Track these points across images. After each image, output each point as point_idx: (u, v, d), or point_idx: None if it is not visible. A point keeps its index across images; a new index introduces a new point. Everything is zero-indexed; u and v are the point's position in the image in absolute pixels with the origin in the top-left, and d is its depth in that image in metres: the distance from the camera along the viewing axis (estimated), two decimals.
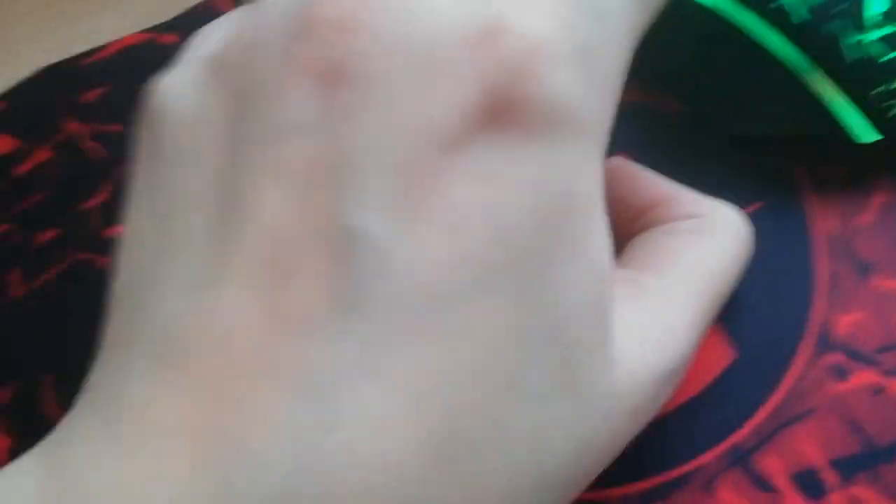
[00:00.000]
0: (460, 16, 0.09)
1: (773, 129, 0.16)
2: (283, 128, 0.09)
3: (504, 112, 0.09)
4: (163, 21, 0.20)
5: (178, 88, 0.10)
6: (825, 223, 0.15)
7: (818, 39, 0.14)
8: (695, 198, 0.13)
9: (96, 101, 0.19)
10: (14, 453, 0.15)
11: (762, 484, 0.13)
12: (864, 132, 0.15)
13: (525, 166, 0.09)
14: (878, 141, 0.15)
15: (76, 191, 0.18)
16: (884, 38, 0.14)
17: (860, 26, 0.14)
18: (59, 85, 0.20)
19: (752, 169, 0.16)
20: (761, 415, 0.13)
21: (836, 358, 0.14)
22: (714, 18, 0.15)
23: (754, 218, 0.15)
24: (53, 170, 0.18)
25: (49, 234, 0.17)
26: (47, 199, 0.18)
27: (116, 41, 0.20)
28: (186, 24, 0.20)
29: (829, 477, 0.13)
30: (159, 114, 0.10)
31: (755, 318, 0.14)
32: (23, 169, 0.18)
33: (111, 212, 0.18)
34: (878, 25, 0.14)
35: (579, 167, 0.09)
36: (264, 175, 0.09)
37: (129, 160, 0.18)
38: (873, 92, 0.14)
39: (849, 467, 0.13)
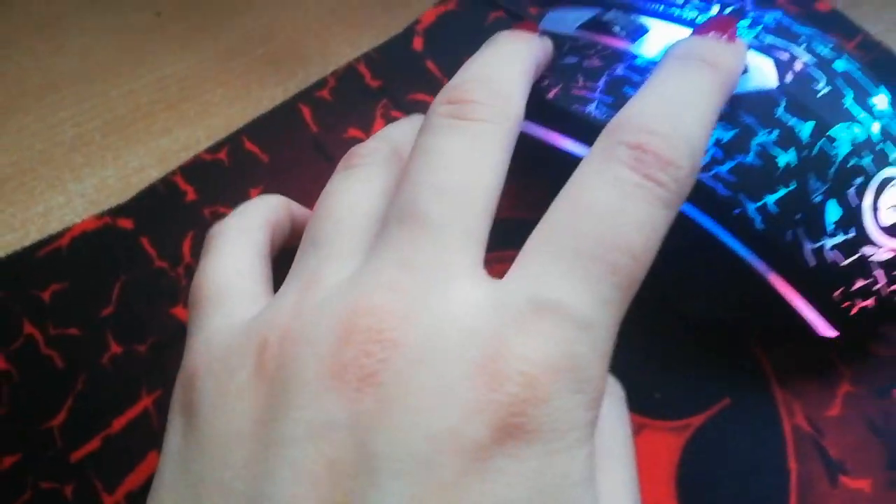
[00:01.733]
0: (474, 336, 0.10)
1: (736, 315, 0.17)
2: (312, 425, 0.10)
3: (513, 429, 0.10)
4: (117, 204, 0.21)
5: (223, 377, 0.12)
6: (794, 418, 0.16)
7: (780, 246, 0.15)
8: None
9: (53, 299, 0.19)
10: None
11: None
12: (824, 328, 0.15)
13: (529, 463, 0.10)
14: (839, 336, 0.15)
15: (36, 410, 0.18)
16: (840, 245, 0.14)
17: (820, 234, 0.14)
18: (14, 279, 0.20)
19: (719, 361, 0.16)
20: None
21: None
22: (683, 218, 0.15)
23: (724, 416, 0.16)
24: (9, 384, 0.18)
25: (10, 461, 0.17)
26: (6, 418, 0.18)
27: (72, 228, 0.20)
28: (143, 207, 0.20)
29: None
30: (201, 396, 0.12)
31: None
32: None
33: (70, 432, 0.17)
34: (834, 234, 0.14)
35: (572, 456, 0.10)
36: (293, 470, 0.10)
37: (88, 372, 0.18)
38: (834, 293, 0.15)
39: None
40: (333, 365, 0.10)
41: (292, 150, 0.21)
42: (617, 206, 0.11)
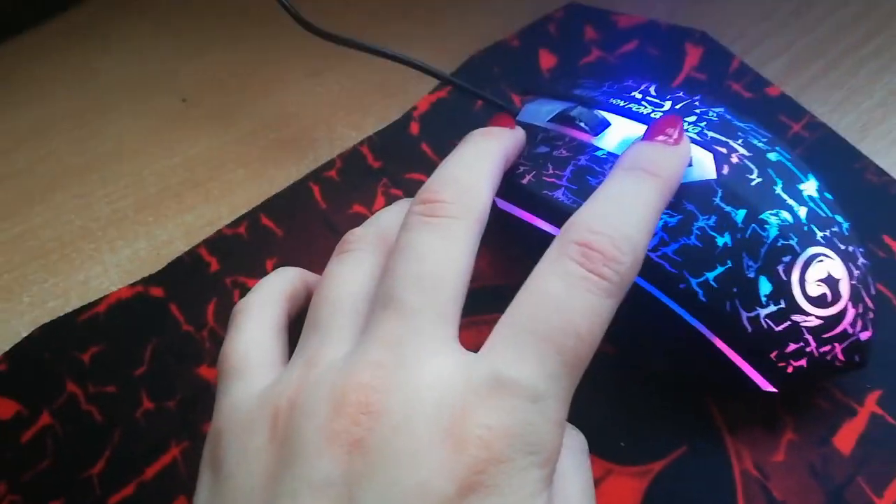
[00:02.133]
0: (444, 406, 0.13)
1: (691, 373, 0.19)
2: (312, 481, 0.13)
3: (475, 485, 0.12)
4: (149, 274, 0.23)
5: (244, 439, 0.14)
6: (743, 463, 0.18)
7: (721, 315, 0.17)
8: None
9: (92, 360, 0.22)
10: None
11: None
12: (765, 385, 0.18)
13: None
14: (777, 392, 0.18)
15: (76, 459, 0.20)
16: (772, 314, 0.17)
17: (755, 305, 0.17)
18: (57, 342, 0.22)
19: (677, 414, 0.19)
20: None
21: None
22: (641, 291, 0.18)
23: (682, 463, 0.18)
24: (54, 437, 0.21)
25: None
26: (50, 467, 0.20)
27: (108, 296, 0.23)
28: (172, 277, 0.23)
29: None
30: (226, 453, 0.15)
31: None
32: (27, 437, 0.21)
33: (108, 479, 0.20)
34: (766, 305, 0.17)
35: None
36: None
37: (124, 425, 0.20)
38: (771, 355, 0.17)
39: None
40: (329, 432, 0.13)
41: (304, 224, 0.24)
42: (565, 295, 0.13)
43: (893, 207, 0.22)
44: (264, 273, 0.22)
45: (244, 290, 0.22)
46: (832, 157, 0.23)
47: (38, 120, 0.28)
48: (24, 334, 0.23)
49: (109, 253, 0.24)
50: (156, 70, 0.29)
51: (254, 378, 0.16)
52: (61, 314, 0.23)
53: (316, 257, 0.22)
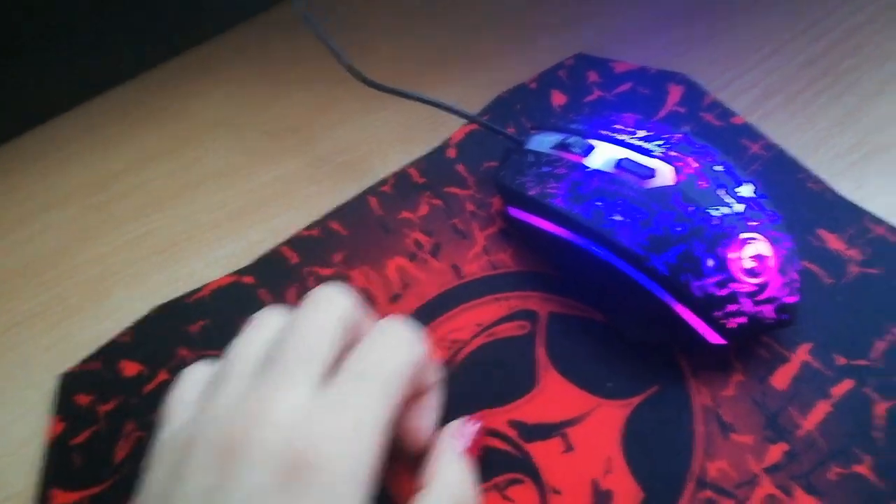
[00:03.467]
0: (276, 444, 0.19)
1: (657, 337, 0.26)
2: (191, 491, 0.19)
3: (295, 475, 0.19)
4: (243, 264, 0.31)
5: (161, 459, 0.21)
6: (701, 398, 0.24)
7: (678, 285, 0.24)
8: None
9: (200, 331, 0.29)
10: None
11: None
12: (715, 339, 0.24)
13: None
14: (724, 344, 0.24)
15: None
16: (716, 283, 0.24)
17: (702, 276, 0.24)
18: (170, 318, 0.30)
19: (650, 362, 0.25)
20: None
21: (707, 494, 0.23)
22: (613, 268, 0.25)
23: (656, 398, 0.25)
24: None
25: None
26: None
27: (210, 283, 0.31)
28: (261, 267, 0.31)
29: None
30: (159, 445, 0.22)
31: (657, 468, 0.23)
32: (149, 388, 0.28)
33: None
34: (711, 276, 0.24)
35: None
36: None
37: None
38: (716, 314, 0.24)
39: None
40: (215, 454, 0.19)
41: (363, 227, 0.31)
42: None
43: (827, 208, 0.28)
44: (333, 265, 0.29)
45: (317, 278, 0.30)
46: (781, 170, 0.29)
47: (156, 147, 0.37)
48: (145, 313, 0.30)
49: (211, 251, 0.32)
50: (242, 112, 0.37)
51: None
52: (173, 298, 0.30)
53: (372, 250, 0.30)
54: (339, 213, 0.32)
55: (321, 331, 0.22)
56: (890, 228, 0.27)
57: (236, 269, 0.31)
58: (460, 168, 0.32)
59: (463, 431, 0.24)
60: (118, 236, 0.33)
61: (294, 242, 0.31)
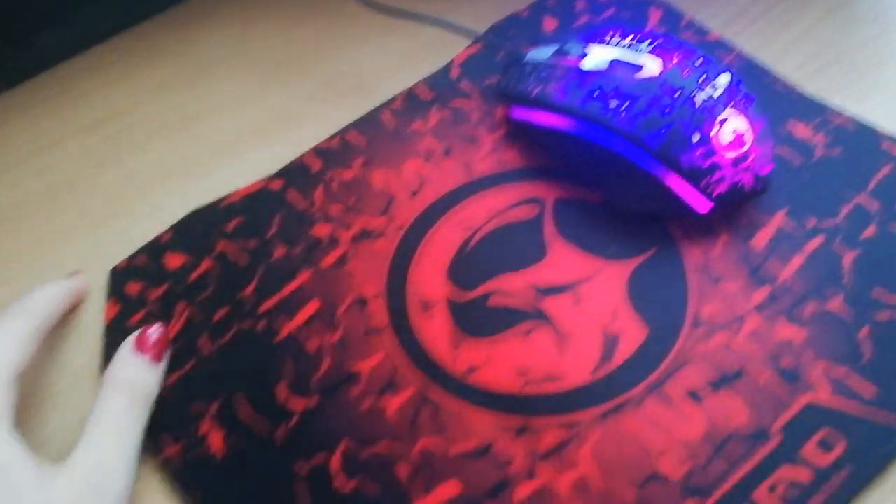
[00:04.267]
0: None
1: (651, 209, 0.29)
2: None
3: None
4: (271, 173, 0.34)
5: None
6: (693, 257, 0.28)
7: (668, 157, 0.28)
8: None
9: (235, 227, 0.32)
10: (227, 442, 0.26)
11: (668, 400, 0.25)
12: (702, 205, 0.28)
13: None
14: (712, 209, 0.28)
15: (233, 285, 0.30)
16: (701, 154, 0.27)
17: (689, 149, 0.27)
18: (206, 220, 0.33)
19: (646, 230, 0.29)
20: (665, 363, 0.26)
21: (703, 330, 0.27)
22: (610, 151, 0.29)
23: (653, 259, 0.28)
24: (215, 274, 0.31)
25: (222, 312, 0.30)
26: (215, 292, 0.30)
27: (240, 189, 0.33)
28: (288, 173, 0.34)
29: (704, 392, 0.25)
30: None
31: (657, 313, 0.27)
32: (195, 275, 0.31)
33: (259, 295, 0.30)
34: (697, 148, 0.27)
35: None
36: None
37: (266, 261, 0.30)
38: (702, 182, 0.28)
39: (714, 385, 0.25)
40: None
41: (379, 137, 0.34)
42: None
43: (794, 105, 0.33)
44: (353, 168, 0.33)
45: (342, 182, 0.33)
46: (753, 76, 0.34)
47: (174, 79, 0.39)
48: (182, 216, 0.33)
49: (238, 164, 0.35)
50: (254, 46, 0.40)
51: None
52: (207, 203, 0.33)
53: (388, 156, 0.33)
54: (355, 125, 0.35)
55: None
56: (848, 118, 0.32)
57: (265, 176, 0.34)
58: (464, 85, 0.36)
59: (143, 338, 0.28)
60: (148, 154, 0.36)
61: (316, 151, 0.34)
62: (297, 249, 0.31)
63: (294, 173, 0.34)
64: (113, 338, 0.29)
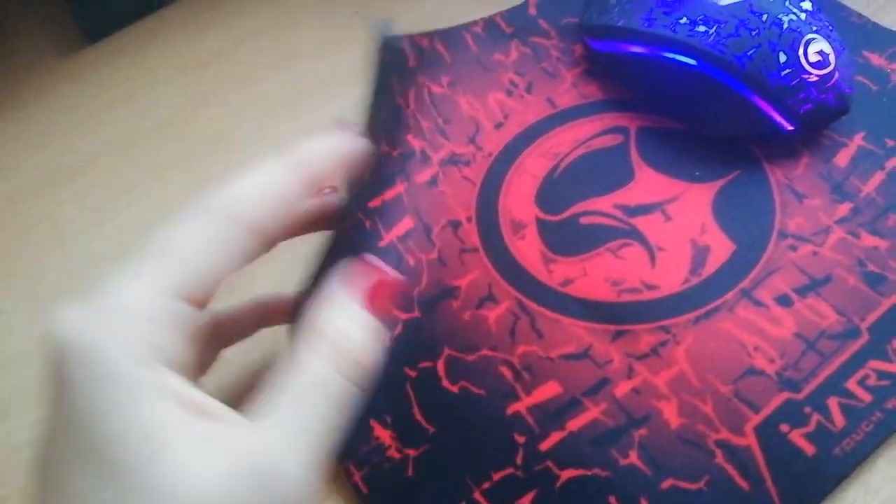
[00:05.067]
0: None
1: (735, 130, 0.31)
2: None
3: None
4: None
5: None
6: (776, 176, 0.30)
7: (755, 78, 0.29)
8: None
9: None
10: None
11: (759, 304, 0.27)
12: (786, 125, 0.29)
13: None
14: (798, 127, 0.29)
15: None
16: (788, 74, 0.29)
17: (777, 69, 0.29)
18: None
19: (730, 153, 0.30)
20: (754, 272, 0.27)
21: (790, 242, 0.28)
22: (698, 74, 0.30)
23: (737, 180, 0.30)
24: None
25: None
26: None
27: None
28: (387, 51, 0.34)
29: (794, 296, 0.27)
30: None
31: (744, 227, 0.29)
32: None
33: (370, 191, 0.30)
34: (784, 68, 0.29)
35: None
36: None
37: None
38: (789, 101, 0.29)
39: (803, 290, 0.27)
40: None
41: (463, 57, 0.36)
42: None
43: (869, 35, 0.34)
44: (442, 85, 0.34)
45: (432, 95, 0.34)
46: (829, 10, 0.35)
47: (257, 27, 0.42)
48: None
49: (332, 102, 0.37)
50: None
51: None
52: None
53: (473, 82, 0.35)
54: (441, 35, 0.36)
55: None
56: None
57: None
58: (542, 23, 0.37)
59: (360, 274, 0.20)
60: (239, 96, 0.38)
61: (412, 44, 0.34)
62: (396, 153, 0.32)
63: (393, 59, 0.33)
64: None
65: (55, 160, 0.37)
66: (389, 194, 0.31)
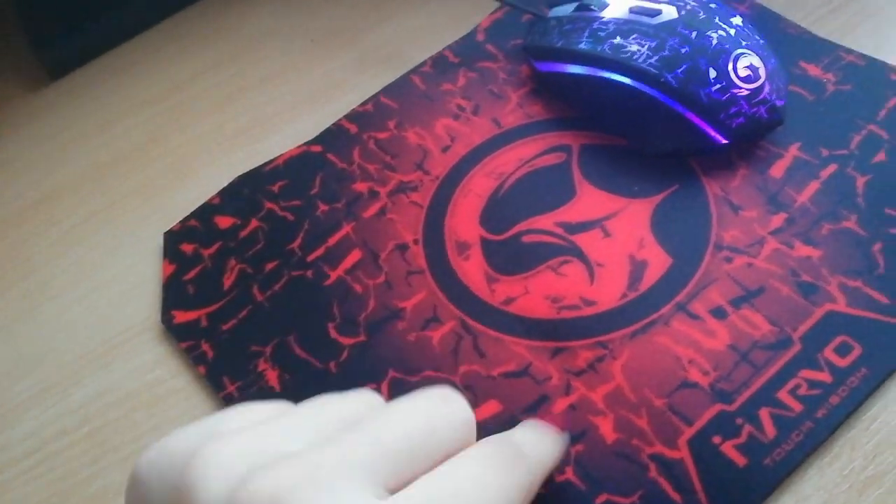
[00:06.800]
0: None
1: (672, 146, 0.32)
2: None
3: None
4: (310, 138, 0.37)
5: None
6: (713, 189, 0.30)
7: (687, 94, 0.30)
8: None
9: (280, 189, 0.35)
10: (281, 379, 0.29)
11: (694, 317, 0.27)
12: (720, 139, 0.30)
13: None
14: (729, 143, 0.30)
15: (281, 240, 0.33)
16: (718, 90, 0.29)
17: (707, 85, 0.29)
18: (252, 183, 0.35)
19: (668, 168, 0.31)
20: (690, 285, 0.28)
21: (725, 254, 0.29)
22: (633, 91, 0.31)
23: (675, 194, 0.30)
24: (264, 231, 0.33)
25: (271, 265, 0.32)
26: (264, 247, 0.33)
27: (283, 154, 0.36)
28: (326, 139, 0.36)
29: (729, 308, 0.27)
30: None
31: (681, 241, 0.29)
32: (243, 233, 0.34)
33: (306, 247, 0.33)
34: (714, 84, 0.29)
35: None
36: None
37: (311, 216, 0.33)
38: (721, 116, 0.30)
39: (737, 302, 0.27)
40: None
41: (409, 99, 0.37)
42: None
43: (805, 45, 0.35)
44: (388, 130, 0.35)
45: (377, 142, 0.36)
46: (765, 21, 0.36)
47: (217, 58, 0.43)
48: (229, 182, 0.36)
49: (279, 132, 0.38)
50: (290, 22, 0.43)
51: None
52: (252, 168, 0.36)
53: (420, 115, 0.36)
54: (387, 90, 0.38)
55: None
56: (858, 56, 0.33)
57: (304, 141, 0.37)
58: (490, 47, 0.38)
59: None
60: (196, 128, 0.39)
61: (351, 116, 0.37)
62: (340, 204, 0.34)
63: (332, 137, 0.37)
64: (171, 290, 0.33)
65: (21, 193, 0.39)
66: (333, 239, 0.33)
